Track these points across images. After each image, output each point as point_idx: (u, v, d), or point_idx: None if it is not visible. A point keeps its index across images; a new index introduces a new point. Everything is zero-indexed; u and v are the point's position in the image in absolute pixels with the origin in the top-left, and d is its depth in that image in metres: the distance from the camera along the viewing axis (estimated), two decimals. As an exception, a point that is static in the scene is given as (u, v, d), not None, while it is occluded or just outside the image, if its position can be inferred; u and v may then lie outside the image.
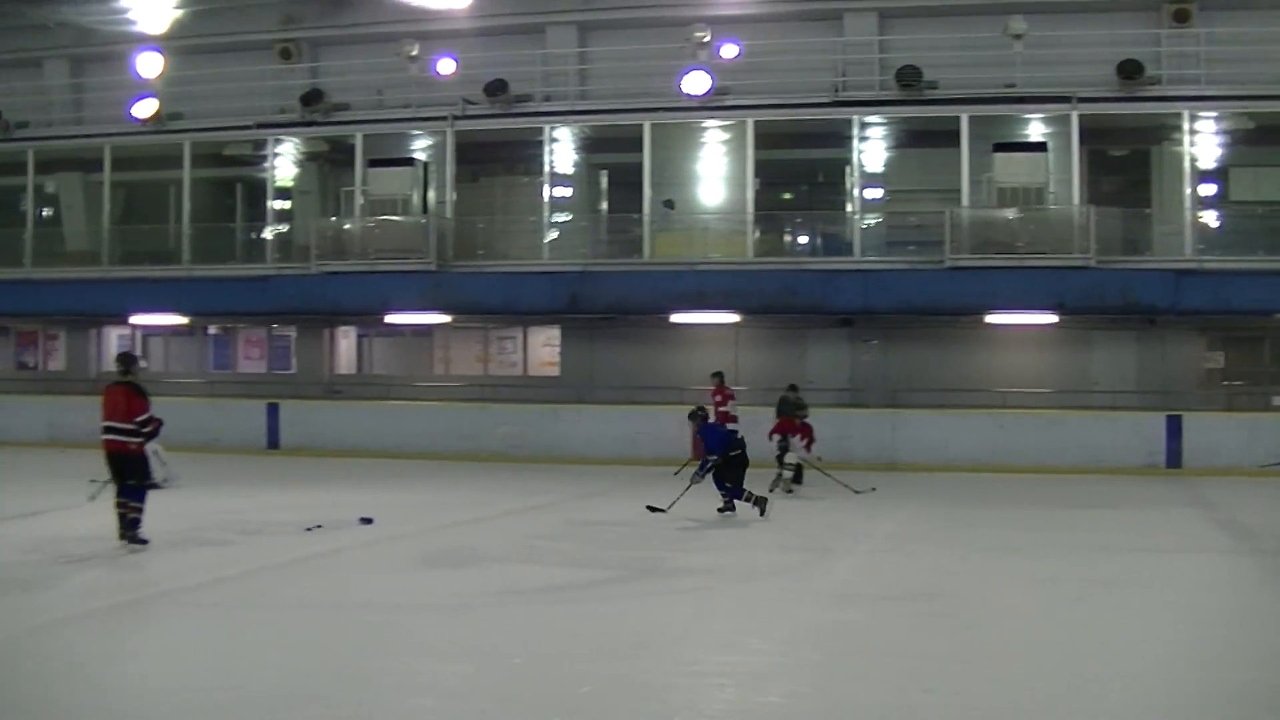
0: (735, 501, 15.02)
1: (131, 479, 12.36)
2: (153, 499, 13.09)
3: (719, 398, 20.41)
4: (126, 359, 13.21)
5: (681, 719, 6.91)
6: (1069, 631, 9.21)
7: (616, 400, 23.63)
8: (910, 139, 23.88)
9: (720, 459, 15.02)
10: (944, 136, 22.84)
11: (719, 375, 20.89)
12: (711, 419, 17.79)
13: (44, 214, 28.94)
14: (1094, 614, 9.91)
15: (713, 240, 24.14)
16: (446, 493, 18.38)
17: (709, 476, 15.08)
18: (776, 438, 18.21)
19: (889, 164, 24.45)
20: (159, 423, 12.54)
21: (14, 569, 11.33)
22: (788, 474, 18.08)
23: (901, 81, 22.68)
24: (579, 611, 9.95)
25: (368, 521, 14.10)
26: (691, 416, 16.25)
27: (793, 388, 20.16)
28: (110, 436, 12.39)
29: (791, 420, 18.39)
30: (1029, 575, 11.73)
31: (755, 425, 17.97)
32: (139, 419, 12.34)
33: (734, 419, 19.29)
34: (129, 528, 12.28)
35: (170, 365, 28.88)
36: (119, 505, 12.33)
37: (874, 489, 18.15)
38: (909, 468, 21.80)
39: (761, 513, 14.84)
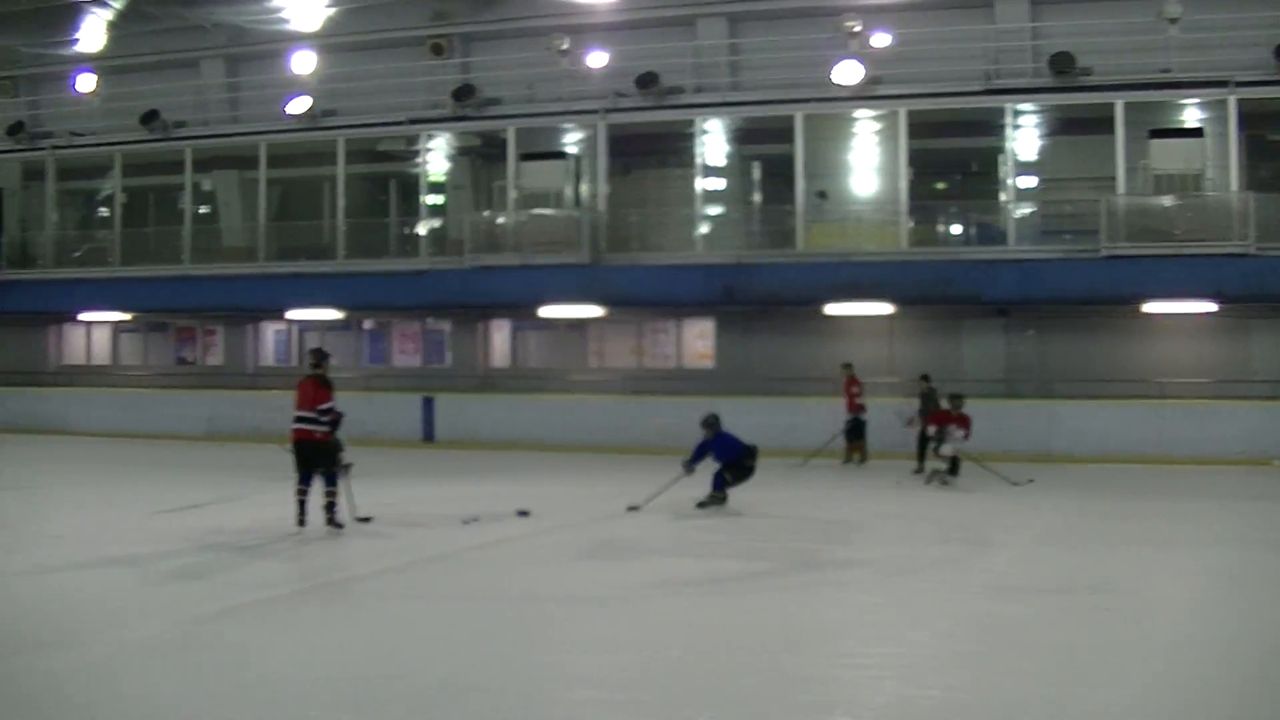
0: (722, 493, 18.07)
1: (319, 466, 15.47)
2: (319, 494, 16.02)
3: (855, 389, 25.29)
4: (318, 354, 16.16)
5: (841, 711, 8.15)
6: (1232, 625, 10.60)
7: (771, 392, 28.17)
8: (1064, 126, 28.34)
9: (730, 469, 18.06)
10: (1098, 124, 27.10)
11: (849, 366, 25.73)
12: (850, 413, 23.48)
13: (201, 211, 35.42)
14: (1256, 607, 11.42)
15: (866, 231, 28.83)
16: (601, 485, 21.51)
17: (692, 471, 18.21)
18: (933, 428, 21.91)
19: (1043, 152, 28.98)
20: (339, 415, 15.50)
21: (177, 560, 13.69)
22: (942, 466, 21.59)
23: (1055, 68, 27.00)
24: (737, 604, 11.73)
25: (524, 514, 16.67)
26: (705, 424, 18.53)
27: (924, 378, 24.21)
28: (299, 425, 15.45)
29: (947, 412, 21.92)
30: (1190, 567, 13.53)
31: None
32: (321, 407, 15.35)
33: (863, 408, 24.73)
34: (328, 510, 15.46)
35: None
36: (299, 493, 15.46)
37: (1032, 480, 21.26)
38: (1066, 459, 25.71)
39: (701, 506, 17.96)
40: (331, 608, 11.55)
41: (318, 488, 15.61)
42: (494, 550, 14.39)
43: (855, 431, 25.39)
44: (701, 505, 17.80)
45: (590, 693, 8.51)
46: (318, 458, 15.47)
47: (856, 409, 24.91)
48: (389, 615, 11.17)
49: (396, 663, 9.17)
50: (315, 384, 15.61)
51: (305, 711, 7.92)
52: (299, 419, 15.50)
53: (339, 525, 15.50)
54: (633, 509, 17.42)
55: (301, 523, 15.45)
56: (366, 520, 15.98)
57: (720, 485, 17.98)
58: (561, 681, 8.83)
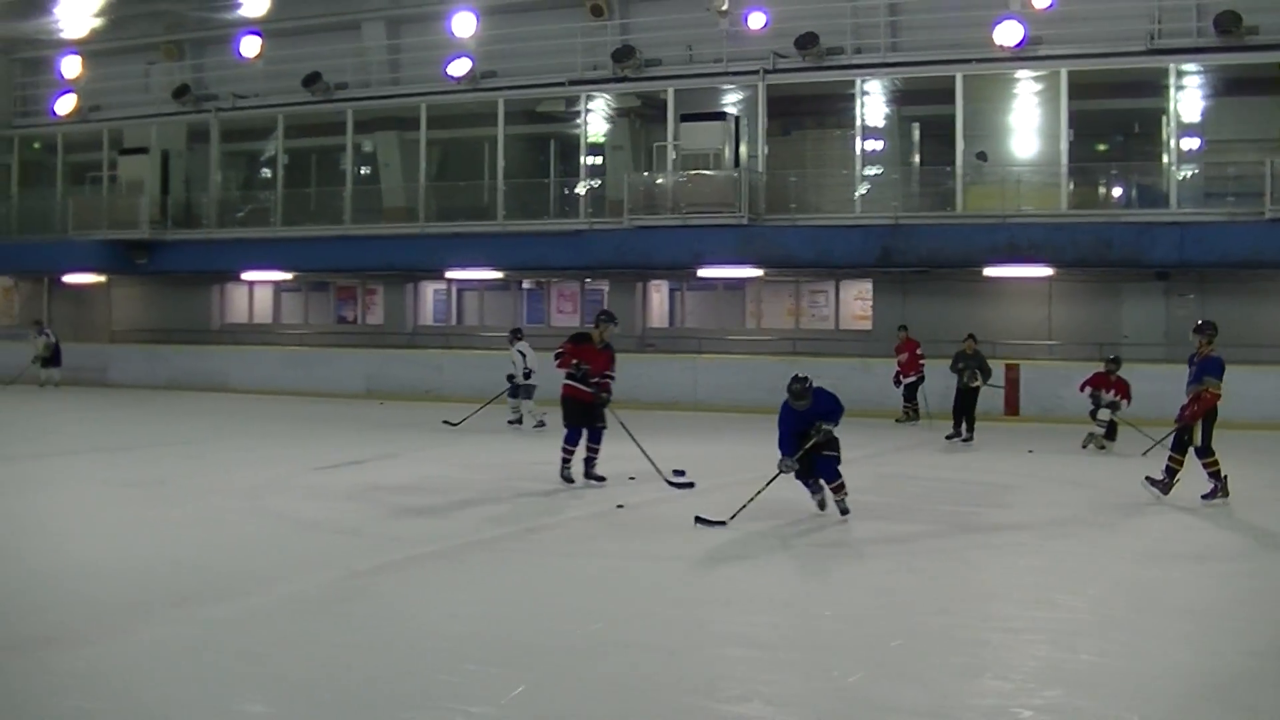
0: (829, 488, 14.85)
1: (598, 422, 17.13)
2: (475, 450, 18.71)
3: (904, 355, 28.14)
4: (605, 315, 17.90)
5: (991, 674, 8.46)
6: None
7: (930, 355, 29.22)
8: (1228, 87, 30.41)
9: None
10: (1265, 84, 29.25)
11: (904, 328, 28.55)
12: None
13: (362, 172, 39.11)
14: None
15: (1026, 193, 31.04)
16: (758, 445, 21.29)
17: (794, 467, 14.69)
18: (1088, 390, 23.44)
19: (1206, 113, 31.06)
20: (564, 360, 17.07)
21: (335, 515, 14.64)
22: (1099, 430, 23.23)
23: (1219, 28, 28.70)
24: (889, 565, 12.20)
25: (680, 474, 17.20)
26: (801, 395, 14.54)
27: (970, 337, 25.58)
28: (567, 383, 17.20)
29: (1105, 375, 23.46)
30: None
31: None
32: (558, 352, 17.20)
33: (920, 375, 27.52)
34: (588, 466, 17.19)
35: (485, 319, 38.44)
36: (565, 450, 17.20)
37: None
38: (1227, 425, 26.58)
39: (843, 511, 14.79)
40: (485, 564, 12.25)
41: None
42: (648, 510, 15.06)
43: (912, 391, 28.28)
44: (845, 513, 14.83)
45: (738, 651, 9.05)
46: (591, 415, 17.14)
47: (919, 370, 27.92)
48: (542, 572, 11.95)
49: (547, 620, 9.88)
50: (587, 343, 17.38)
51: (458, 664, 8.52)
52: (584, 380, 17.15)
53: (599, 479, 17.16)
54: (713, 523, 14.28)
55: (568, 478, 17.27)
56: (680, 474, 17.10)
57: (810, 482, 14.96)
58: (709, 640, 9.38)
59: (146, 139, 39.82)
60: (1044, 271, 30.76)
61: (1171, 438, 16.71)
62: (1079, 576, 11.88)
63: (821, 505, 14.85)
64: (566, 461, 17.32)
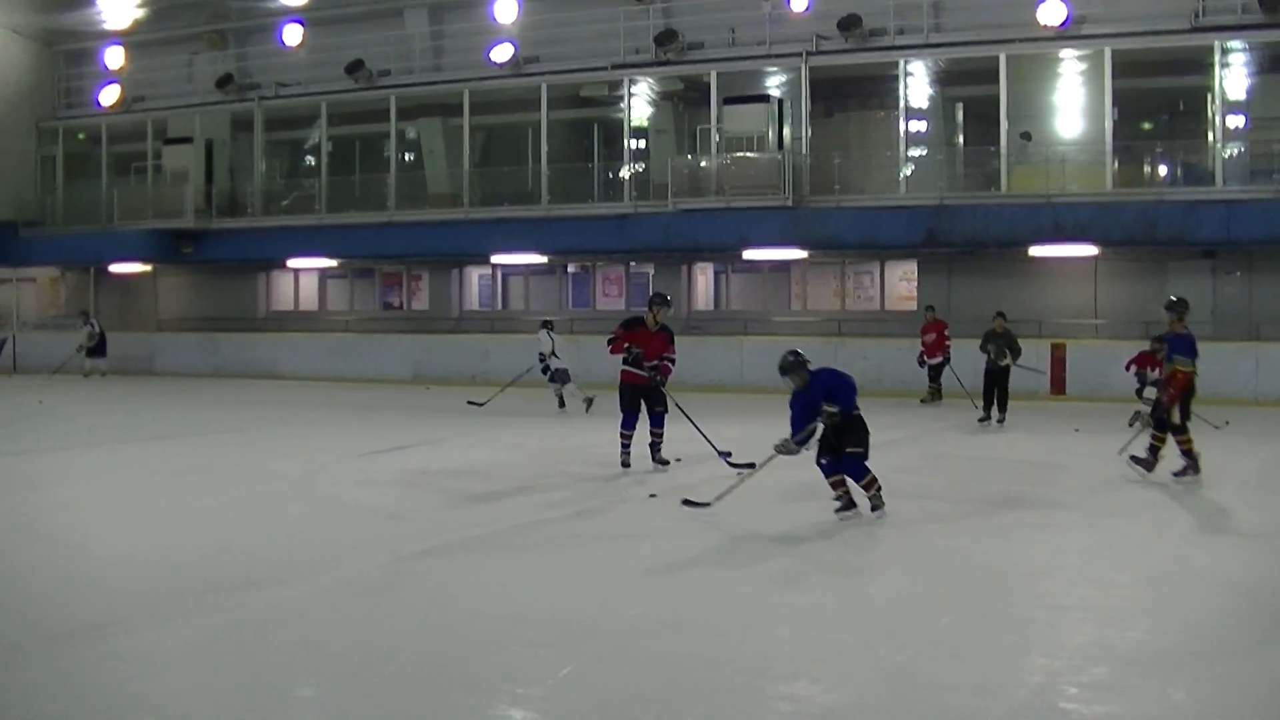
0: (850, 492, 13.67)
1: (657, 406, 17.17)
2: (523, 434, 18.88)
3: (931, 335, 28.45)
4: (650, 300, 17.82)
5: (1039, 652, 8.56)
6: None
7: (975, 335, 29.26)
8: (1274, 64, 30.40)
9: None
10: None
11: (932, 309, 28.97)
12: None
13: (406, 158, 39.54)
14: None
15: (1070, 172, 31.02)
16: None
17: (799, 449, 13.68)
18: (1134, 368, 23.27)
19: (1252, 90, 31.05)
20: (616, 345, 17.04)
21: (385, 499, 15.01)
22: (1145, 409, 21.60)
23: (1264, 4, 28.54)
24: (938, 544, 12.32)
25: (727, 455, 17.17)
26: (790, 369, 14.01)
27: (1000, 315, 25.31)
28: (623, 368, 17.22)
29: (1152, 354, 22.56)
30: None
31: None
32: (610, 338, 17.17)
33: (946, 357, 27.72)
34: (654, 450, 17.20)
35: (530, 304, 38.68)
36: (623, 436, 17.21)
37: (1228, 423, 22.45)
38: (1273, 403, 27.79)
39: (874, 508, 13.58)
40: (533, 547, 12.39)
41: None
42: (696, 491, 14.74)
43: (938, 372, 28.56)
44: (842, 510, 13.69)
45: (786, 631, 9.20)
46: (638, 398, 17.24)
47: (945, 351, 28.18)
48: (591, 555, 12.14)
49: (596, 601, 10.07)
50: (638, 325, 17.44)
51: (507, 646, 8.68)
52: (638, 364, 17.19)
53: (664, 463, 17.23)
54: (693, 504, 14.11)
55: (626, 464, 17.28)
56: (726, 455, 17.04)
57: (832, 469, 13.64)
58: (758, 620, 9.48)
59: (191, 129, 40.27)
60: (1089, 251, 30.81)
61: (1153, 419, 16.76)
62: (1128, 555, 12.00)
63: (845, 506, 13.53)
64: (625, 447, 17.30)
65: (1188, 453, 16.28)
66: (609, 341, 17.10)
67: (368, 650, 8.69)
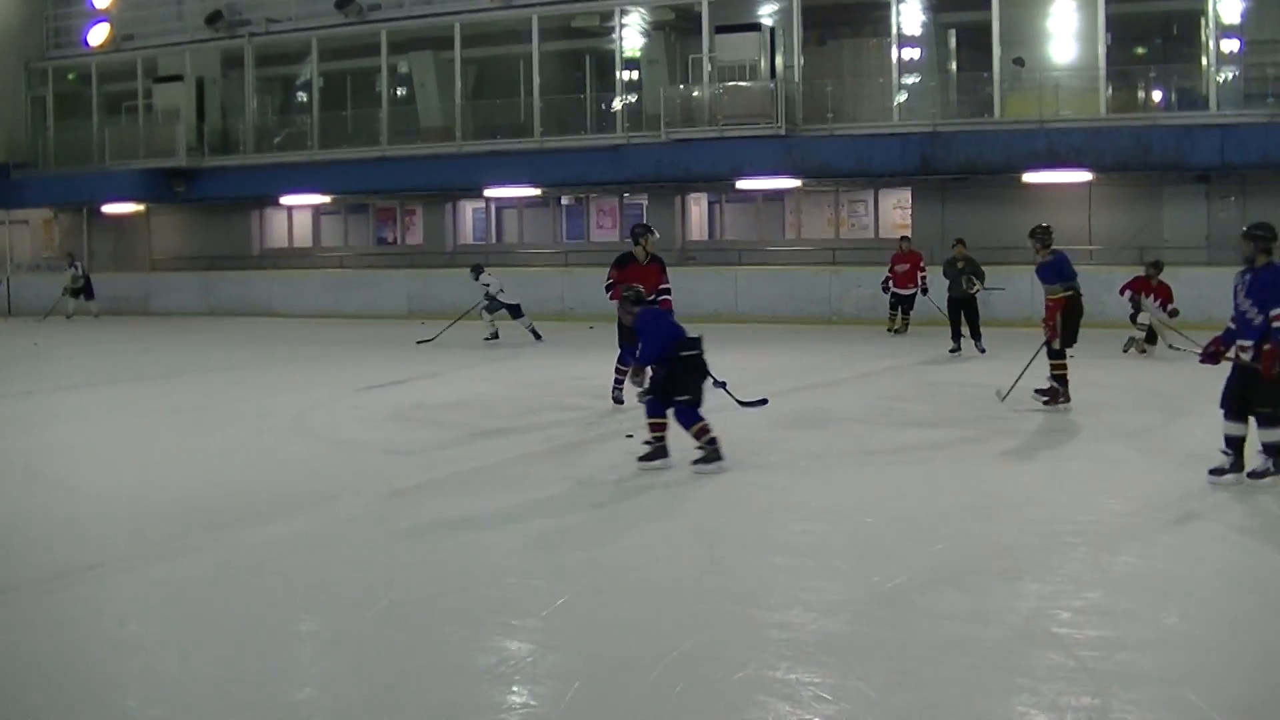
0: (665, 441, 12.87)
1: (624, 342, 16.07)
2: (519, 368, 18.79)
3: (905, 265, 27.98)
4: (634, 231, 17.46)
5: (1032, 578, 8.69)
6: None
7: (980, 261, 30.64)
8: None
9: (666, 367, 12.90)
10: None
11: (907, 239, 28.68)
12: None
13: (398, 93, 39.25)
14: None
15: (1064, 98, 30.91)
16: (800, 356, 23.45)
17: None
18: (1129, 294, 23.45)
19: (1246, 13, 30.71)
20: (615, 291, 15.35)
21: (380, 434, 15.23)
22: (1140, 334, 23.31)
23: None
24: (932, 471, 12.53)
25: (721, 385, 15.87)
26: (625, 300, 13.78)
27: (960, 242, 24.62)
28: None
29: (1146, 280, 23.44)
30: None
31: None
32: (607, 284, 16.39)
33: (920, 287, 27.57)
34: (615, 387, 16.78)
35: (524, 237, 38.68)
36: (618, 371, 16.66)
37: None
38: None
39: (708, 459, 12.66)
40: (527, 480, 12.41)
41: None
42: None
43: (910, 303, 28.22)
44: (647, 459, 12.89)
45: (780, 559, 9.33)
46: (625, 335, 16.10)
47: (920, 283, 27.82)
48: (585, 487, 12.13)
49: (590, 533, 10.33)
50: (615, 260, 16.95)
51: (501, 578, 8.88)
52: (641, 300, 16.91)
53: (618, 402, 16.79)
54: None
55: (619, 400, 16.91)
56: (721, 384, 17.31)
57: (659, 409, 12.85)
58: (751, 548, 9.65)
59: (181, 67, 40.07)
60: (1083, 176, 30.69)
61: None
62: (1122, 481, 11.96)
63: (650, 456, 12.83)
64: (619, 382, 16.83)
65: (1059, 379, 16.44)
66: (607, 288, 16.31)
67: (365, 584, 8.80)
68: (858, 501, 11.41)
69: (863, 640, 7.55)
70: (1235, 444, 11.49)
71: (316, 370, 23.53)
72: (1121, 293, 23.67)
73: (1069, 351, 16.55)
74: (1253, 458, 11.45)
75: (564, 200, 38.52)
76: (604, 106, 36.10)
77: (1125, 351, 23.14)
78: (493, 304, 27.77)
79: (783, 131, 32.15)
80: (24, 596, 8.76)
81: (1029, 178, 30.92)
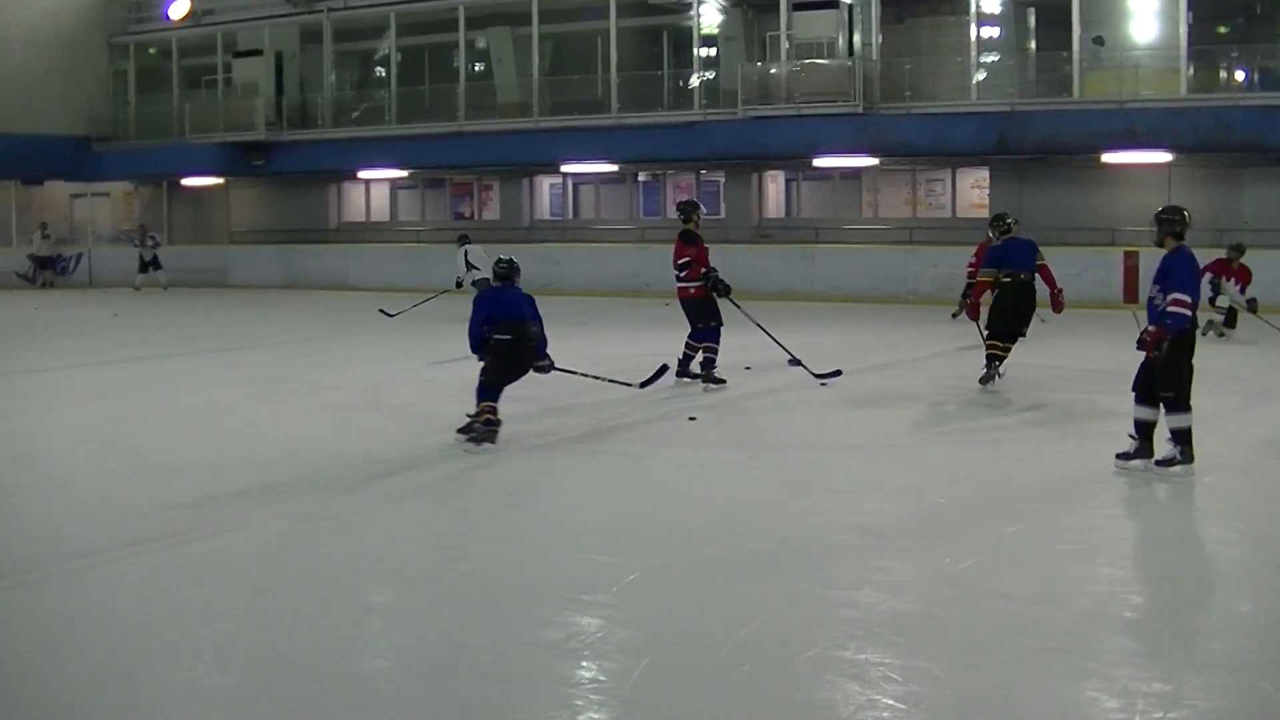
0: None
1: (698, 322, 16.45)
2: (592, 343, 18.72)
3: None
4: (682, 207, 17.25)
5: (1104, 561, 8.70)
6: None
7: (1047, 242, 29.87)
8: None
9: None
10: None
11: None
12: None
13: (475, 68, 39.39)
14: None
15: (1144, 77, 30.57)
16: (874, 335, 23.41)
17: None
18: (1208, 276, 22.75)
19: None
20: (704, 270, 16.27)
21: (454, 409, 14.45)
22: (1219, 318, 23.18)
23: None
24: (1003, 452, 12.60)
25: (796, 363, 17.34)
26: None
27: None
28: (678, 284, 16.66)
29: (1226, 262, 23.34)
30: None
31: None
32: (680, 261, 16.34)
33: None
34: (704, 367, 16.44)
35: (600, 212, 38.71)
36: (687, 348, 16.62)
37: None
38: None
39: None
40: (601, 456, 12.64)
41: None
42: (766, 399, 15.69)
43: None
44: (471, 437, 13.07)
45: (850, 538, 9.36)
46: (693, 314, 16.55)
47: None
48: (658, 464, 12.35)
49: (661, 509, 10.37)
50: (679, 241, 16.63)
51: (572, 554, 8.99)
52: (676, 276, 16.72)
53: (719, 381, 16.49)
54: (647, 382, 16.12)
55: (680, 374, 16.73)
56: (796, 363, 17.15)
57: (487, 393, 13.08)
58: (821, 528, 9.68)
59: (260, 41, 40.34)
60: (1163, 157, 30.28)
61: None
62: (1200, 465, 11.63)
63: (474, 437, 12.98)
64: (710, 362, 16.72)
65: (990, 358, 16.59)
66: (681, 267, 16.42)
67: (434, 558, 9.09)
68: (930, 481, 11.38)
69: (932, 621, 7.52)
70: (1143, 429, 11.51)
71: (391, 343, 23.68)
72: (1200, 275, 23.17)
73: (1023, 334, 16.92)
74: (1162, 445, 11.38)
75: (640, 177, 38.48)
76: (681, 83, 36.06)
77: (1204, 335, 22.72)
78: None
79: (860, 110, 31.98)
80: (100, 563, 8.91)
81: (1108, 158, 30.58)
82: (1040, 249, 17.10)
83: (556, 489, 11.29)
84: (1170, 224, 11.57)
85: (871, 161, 33.80)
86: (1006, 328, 16.61)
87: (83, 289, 41.75)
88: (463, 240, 28.48)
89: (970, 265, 22.97)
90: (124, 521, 9.97)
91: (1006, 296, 16.54)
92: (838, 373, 16.71)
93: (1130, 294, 29.25)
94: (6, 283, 41.21)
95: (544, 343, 13.32)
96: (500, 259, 13.84)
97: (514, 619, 7.62)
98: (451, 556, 9.00)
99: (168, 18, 42.49)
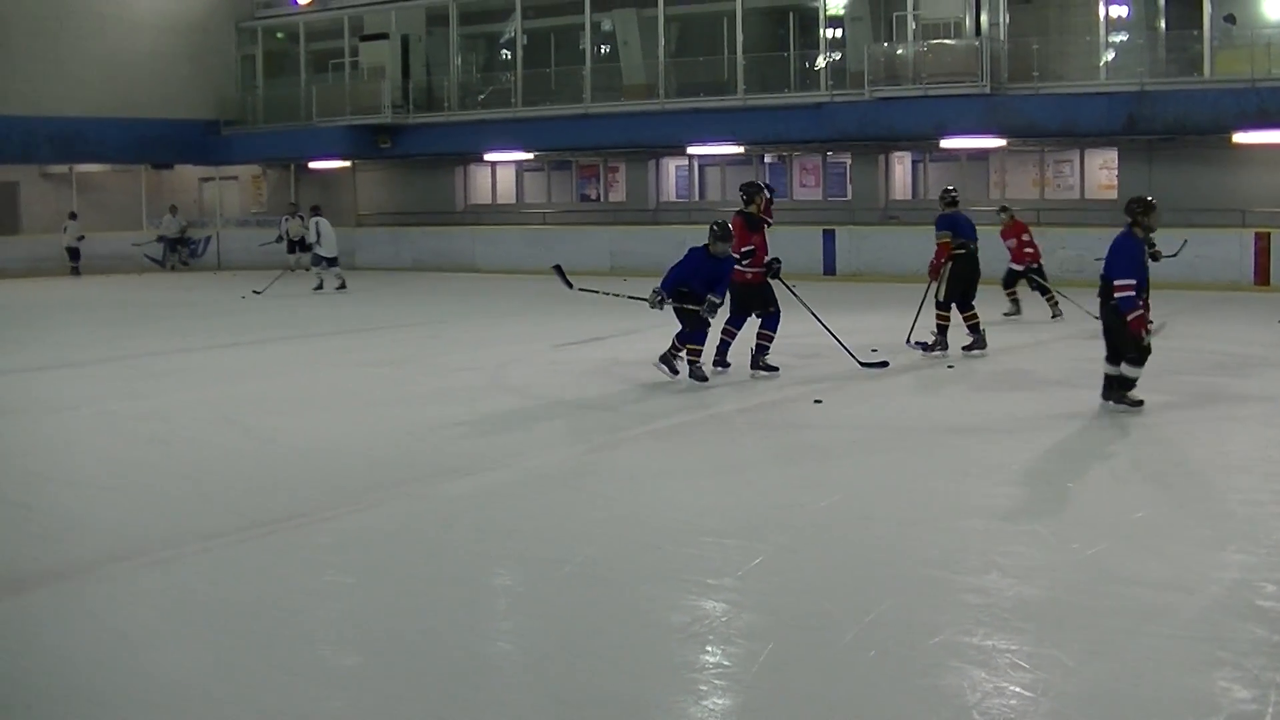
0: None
1: (754, 308, 16.07)
2: (714, 326, 18.20)
3: (1011, 240, 23.79)
4: (747, 189, 16.67)
5: (1236, 548, 8.53)
6: None
7: (1176, 224, 28.92)
8: None
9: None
10: None
11: (1006, 210, 24.56)
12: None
13: (601, 50, 39.94)
14: None
15: (1276, 56, 30.17)
16: (1002, 317, 22.99)
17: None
18: None
19: None
20: (762, 256, 16.00)
21: (576, 390, 15.43)
22: None
23: None
24: (1132, 437, 12.36)
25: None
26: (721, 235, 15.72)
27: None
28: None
29: None
30: None
31: None
32: (743, 249, 15.80)
33: (1030, 265, 23.32)
34: (758, 354, 16.14)
35: (727, 194, 38.74)
36: (725, 333, 16.27)
37: None
38: None
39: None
40: (723, 438, 12.82)
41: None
42: (890, 381, 15.63)
43: (1014, 280, 24.00)
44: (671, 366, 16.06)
45: (976, 522, 9.34)
46: (749, 300, 16.08)
47: (1027, 259, 23.59)
48: (780, 446, 12.47)
49: (786, 492, 10.40)
50: (740, 222, 15.98)
51: (696, 537, 8.97)
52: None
53: (768, 369, 16.18)
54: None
55: (719, 363, 16.41)
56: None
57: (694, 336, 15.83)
58: (946, 511, 9.67)
59: (386, 25, 41.05)
60: (1297, 137, 30.08)
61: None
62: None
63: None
64: (764, 348, 16.36)
65: (940, 329, 17.84)
66: (750, 255, 16.02)
67: (558, 539, 9.07)
68: (1059, 465, 11.43)
69: (1060, 607, 7.54)
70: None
71: (516, 325, 24.09)
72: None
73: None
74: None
75: (767, 158, 38.67)
76: (807, 64, 36.30)
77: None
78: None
79: (987, 90, 31.99)
80: (225, 543, 9.25)
81: (1239, 138, 30.33)
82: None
83: (681, 472, 11.22)
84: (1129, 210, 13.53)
85: (999, 142, 33.81)
86: (959, 297, 18.03)
87: (212, 271, 42.42)
88: (315, 211, 31.53)
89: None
90: (248, 502, 10.27)
91: (960, 266, 17.95)
92: (885, 364, 16.85)
93: (1261, 276, 28.98)
94: (141, 265, 42.03)
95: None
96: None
97: (638, 604, 7.72)
98: (576, 539, 9.00)
99: (295, 2, 43.40)
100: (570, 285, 17.29)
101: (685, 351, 15.78)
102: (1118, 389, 13.25)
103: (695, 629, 7.25)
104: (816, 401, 14.54)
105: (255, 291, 30.82)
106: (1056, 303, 23.29)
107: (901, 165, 37.10)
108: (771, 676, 6.56)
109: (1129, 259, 12.81)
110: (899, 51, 33.55)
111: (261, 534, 9.29)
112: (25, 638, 7.33)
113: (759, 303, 16.17)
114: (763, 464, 11.71)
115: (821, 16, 35.51)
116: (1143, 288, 12.96)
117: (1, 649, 7.17)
